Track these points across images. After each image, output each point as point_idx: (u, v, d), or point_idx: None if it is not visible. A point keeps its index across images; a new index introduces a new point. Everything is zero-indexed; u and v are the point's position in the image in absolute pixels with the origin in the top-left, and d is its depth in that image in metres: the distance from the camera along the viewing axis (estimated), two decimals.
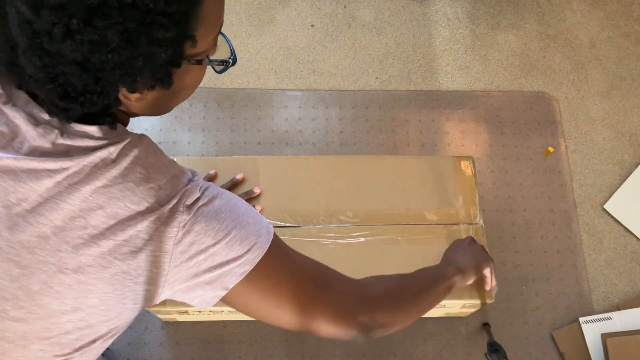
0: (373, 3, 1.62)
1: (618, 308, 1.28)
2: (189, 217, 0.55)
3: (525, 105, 1.50)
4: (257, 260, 0.59)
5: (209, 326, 1.20)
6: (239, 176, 1.07)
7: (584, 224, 1.37)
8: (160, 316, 1.18)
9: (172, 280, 0.57)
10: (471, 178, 1.11)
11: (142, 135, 0.59)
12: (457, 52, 1.57)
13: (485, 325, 1.23)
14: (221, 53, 0.58)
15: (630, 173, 1.43)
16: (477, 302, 1.02)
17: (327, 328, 0.65)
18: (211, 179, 1.08)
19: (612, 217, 1.38)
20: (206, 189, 0.59)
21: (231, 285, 0.58)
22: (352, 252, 1.02)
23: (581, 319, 1.25)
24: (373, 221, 1.05)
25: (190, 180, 0.58)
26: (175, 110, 1.42)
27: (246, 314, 0.63)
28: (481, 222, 1.07)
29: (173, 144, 1.38)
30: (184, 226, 0.55)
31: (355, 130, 1.43)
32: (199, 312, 1.08)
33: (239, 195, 1.06)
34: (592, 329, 1.24)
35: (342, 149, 1.41)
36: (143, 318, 1.20)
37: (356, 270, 1.01)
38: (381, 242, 1.04)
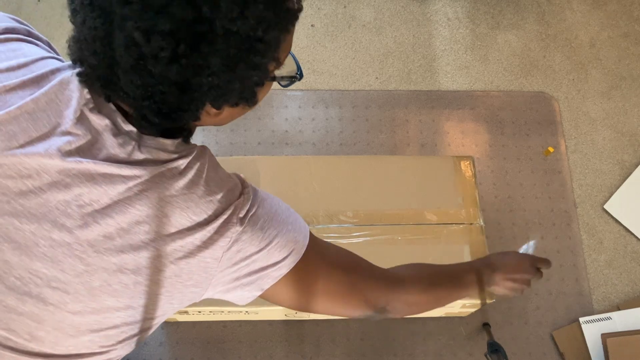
0: (373, 3, 1.62)
1: (618, 308, 1.28)
2: (241, 228, 0.59)
3: (525, 105, 1.50)
4: (293, 265, 0.63)
5: (209, 326, 1.20)
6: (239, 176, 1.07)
7: (584, 224, 1.37)
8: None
9: (216, 283, 0.61)
10: (471, 178, 1.11)
11: (204, 147, 0.63)
12: (457, 52, 1.57)
13: (485, 325, 1.23)
14: (285, 68, 0.62)
15: (630, 173, 1.43)
16: (477, 302, 1.02)
17: (355, 312, 0.72)
18: None
19: (612, 217, 1.38)
20: (254, 197, 0.63)
21: (267, 287, 0.63)
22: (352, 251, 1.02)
23: (581, 319, 1.25)
24: (373, 221, 1.05)
25: (241, 194, 0.62)
26: None
27: (289, 308, 0.69)
28: (481, 221, 1.07)
29: None
30: (234, 237, 0.59)
31: (355, 130, 1.43)
32: (199, 312, 1.08)
33: None
34: (592, 329, 1.24)
35: (342, 149, 1.41)
36: None
37: None
38: (381, 242, 1.04)
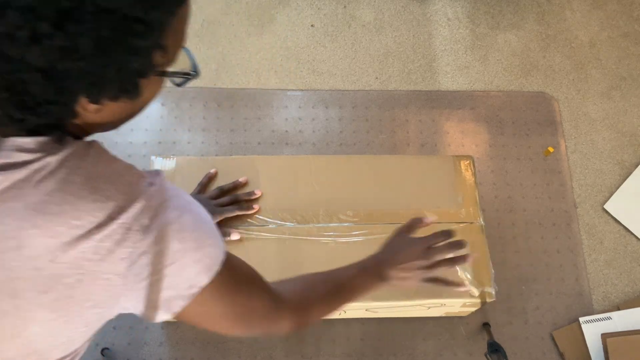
0: (373, 3, 1.62)
1: (618, 308, 1.28)
2: (146, 236, 0.49)
3: (525, 105, 1.50)
4: (204, 282, 0.55)
5: None
6: (242, 179, 1.07)
7: (584, 224, 1.37)
8: None
9: (124, 301, 0.52)
10: (471, 178, 1.11)
11: (92, 142, 0.53)
12: (457, 52, 1.57)
13: (485, 325, 1.23)
14: (179, 66, 0.55)
15: (630, 173, 1.43)
16: (477, 301, 1.02)
17: (269, 328, 0.68)
18: (211, 178, 1.07)
19: (612, 217, 1.38)
20: (169, 201, 0.52)
21: (177, 310, 0.55)
22: (352, 251, 1.02)
23: (581, 319, 1.25)
24: (373, 220, 1.05)
25: (147, 187, 0.51)
26: (175, 111, 1.42)
27: (199, 327, 0.62)
28: (482, 221, 1.07)
29: (173, 144, 1.38)
30: (139, 246, 0.49)
31: (355, 130, 1.43)
32: None
33: (240, 194, 1.06)
34: (592, 329, 1.24)
35: (342, 149, 1.41)
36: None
37: None
38: (381, 241, 1.04)
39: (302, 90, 1.49)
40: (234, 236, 1.01)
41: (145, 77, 0.49)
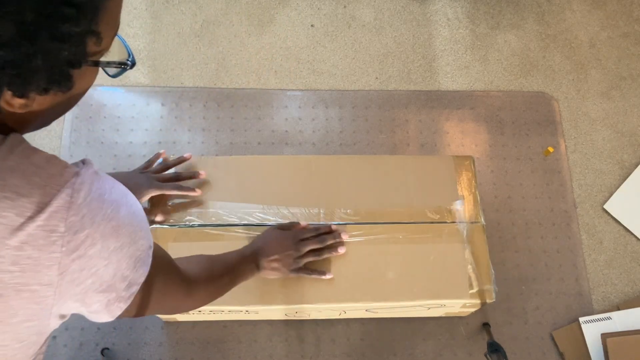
0: (373, 3, 1.62)
1: (618, 308, 1.28)
2: (76, 237, 0.44)
3: (525, 105, 1.50)
4: (142, 279, 0.52)
5: (208, 326, 1.20)
6: (187, 155, 1.06)
7: (583, 224, 1.37)
8: (161, 316, 1.18)
9: (58, 311, 0.48)
10: (471, 178, 1.11)
11: (10, 134, 0.46)
12: (457, 52, 1.57)
13: (485, 325, 1.23)
14: (113, 56, 0.50)
15: (630, 173, 1.43)
16: (477, 301, 1.02)
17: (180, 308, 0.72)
18: (159, 157, 1.05)
19: (612, 217, 1.38)
20: (100, 194, 0.46)
21: (119, 313, 0.52)
22: (352, 250, 1.02)
23: (581, 319, 1.25)
24: (373, 219, 1.05)
25: (71, 179, 0.45)
26: (175, 111, 1.42)
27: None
28: (482, 220, 1.07)
29: (173, 144, 1.38)
30: (71, 250, 0.44)
31: (355, 130, 1.43)
32: (199, 311, 1.08)
33: (182, 172, 1.03)
34: (592, 329, 1.24)
35: (342, 149, 1.41)
36: (143, 318, 1.20)
37: (356, 269, 1.01)
38: (382, 241, 1.04)
39: (302, 90, 1.49)
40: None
41: (78, 67, 0.43)
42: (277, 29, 1.56)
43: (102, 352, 1.15)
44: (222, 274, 0.82)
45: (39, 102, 0.44)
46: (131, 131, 1.37)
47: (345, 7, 1.61)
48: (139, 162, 1.10)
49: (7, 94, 0.41)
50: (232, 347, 1.19)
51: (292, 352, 1.20)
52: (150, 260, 0.53)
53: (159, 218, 1.00)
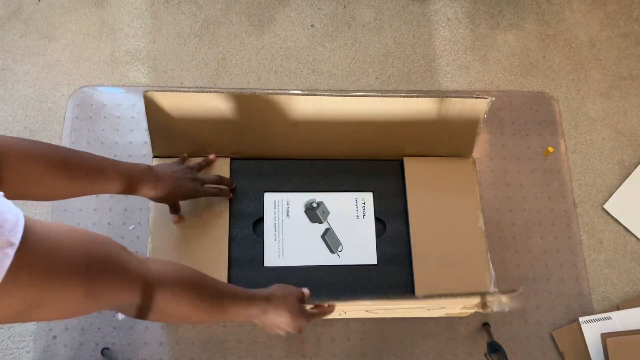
0: (373, 3, 1.62)
1: (618, 308, 1.28)
2: None
3: (525, 105, 1.50)
4: (12, 254, 0.45)
5: (208, 326, 1.20)
6: (211, 156, 1.05)
7: (583, 224, 1.37)
8: None
9: None
10: (473, 178, 1.11)
11: None
12: (457, 52, 1.57)
13: (485, 325, 1.23)
14: None
15: (630, 173, 1.43)
16: (478, 302, 1.02)
17: (113, 299, 0.59)
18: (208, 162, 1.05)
19: (612, 217, 1.38)
20: None
21: None
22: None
23: (581, 319, 1.25)
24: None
25: None
26: None
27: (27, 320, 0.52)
28: (481, 224, 1.06)
29: None
30: None
31: None
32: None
33: (225, 179, 1.02)
34: (592, 329, 1.24)
35: None
36: None
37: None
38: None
39: (302, 90, 1.49)
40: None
41: None
42: (277, 29, 1.56)
43: (102, 352, 1.15)
44: (217, 298, 0.75)
45: None
46: (131, 131, 1.37)
47: (345, 7, 1.61)
48: (139, 162, 1.10)
49: None
50: (232, 347, 1.19)
51: (292, 352, 1.20)
52: (19, 237, 0.45)
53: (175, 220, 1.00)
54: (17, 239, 0.45)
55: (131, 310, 0.65)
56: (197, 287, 0.73)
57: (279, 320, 0.86)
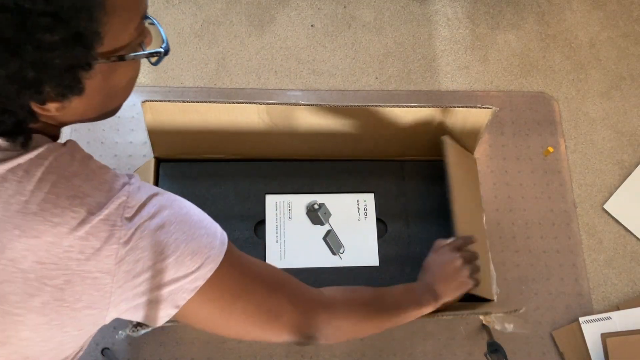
0: (373, 3, 1.62)
1: (618, 308, 1.28)
2: (130, 231, 0.49)
3: (525, 105, 1.50)
4: (210, 274, 0.54)
5: None
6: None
7: (583, 224, 1.38)
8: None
9: (118, 301, 0.51)
10: (475, 179, 1.11)
11: (68, 141, 0.53)
12: (457, 52, 1.57)
13: (485, 325, 1.23)
14: (157, 41, 0.51)
15: (630, 173, 1.43)
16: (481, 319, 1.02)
17: (277, 337, 0.63)
18: None
19: (612, 217, 1.38)
20: (151, 197, 0.52)
21: (182, 303, 0.54)
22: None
23: (581, 319, 1.25)
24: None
25: (125, 184, 0.51)
26: None
27: (206, 330, 0.60)
28: (483, 221, 1.07)
29: None
30: (126, 242, 0.49)
31: None
32: None
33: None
34: (592, 329, 1.24)
35: None
36: None
37: None
38: None
39: (302, 90, 1.49)
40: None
41: (86, 70, 0.45)
42: (277, 29, 1.56)
43: (102, 352, 1.15)
44: (382, 308, 0.76)
45: (75, 104, 0.48)
46: (131, 131, 1.37)
47: (345, 7, 1.61)
48: (139, 162, 1.11)
49: (33, 103, 0.45)
50: (232, 347, 1.19)
51: (292, 352, 1.20)
52: (221, 258, 0.55)
53: None
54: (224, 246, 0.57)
55: (303, 336, 0.66)
56: (366, 307, 0.74)
57: (456, 293, 0.84)
